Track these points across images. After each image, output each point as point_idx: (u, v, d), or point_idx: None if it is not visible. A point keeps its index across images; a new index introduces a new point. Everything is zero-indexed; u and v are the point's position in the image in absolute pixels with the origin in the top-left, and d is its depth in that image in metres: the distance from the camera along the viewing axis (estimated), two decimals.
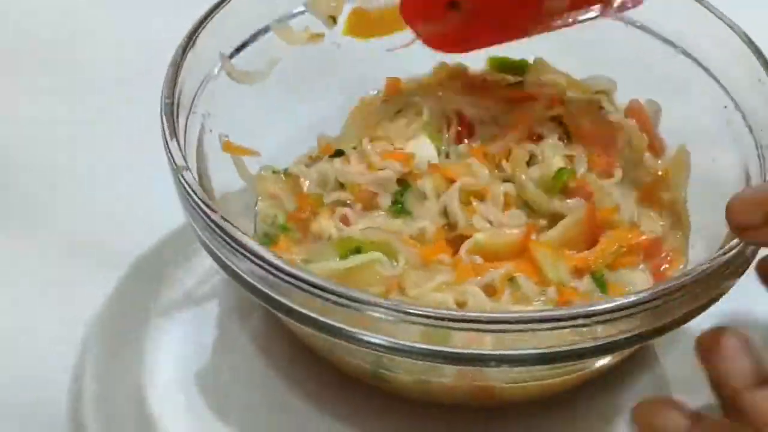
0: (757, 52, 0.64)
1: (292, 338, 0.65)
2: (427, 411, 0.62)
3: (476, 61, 0.74)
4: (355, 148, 0.68)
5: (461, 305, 0.59)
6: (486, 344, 0.51)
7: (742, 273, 0.56)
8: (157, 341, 0.66)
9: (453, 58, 0.73)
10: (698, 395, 0.54)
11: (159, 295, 0.68)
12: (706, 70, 0.68)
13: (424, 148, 0.67)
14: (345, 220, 0.64)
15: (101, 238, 0.71)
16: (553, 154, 0.67)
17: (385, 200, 0.65)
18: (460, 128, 0.70)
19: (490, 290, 0.61)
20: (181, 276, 0.69)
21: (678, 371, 0.65)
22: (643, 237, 0.65)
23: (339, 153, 0.68)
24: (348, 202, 0.66)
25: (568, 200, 0.65)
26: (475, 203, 0.64)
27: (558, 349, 0.51)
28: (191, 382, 0.64)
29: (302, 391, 0.63)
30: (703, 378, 0.52)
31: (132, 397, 0.63)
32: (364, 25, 0.68)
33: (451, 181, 0.65)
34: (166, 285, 0.68)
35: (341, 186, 0.66)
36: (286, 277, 0.53)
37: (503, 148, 0.68)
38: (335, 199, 0.66)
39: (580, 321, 0.51)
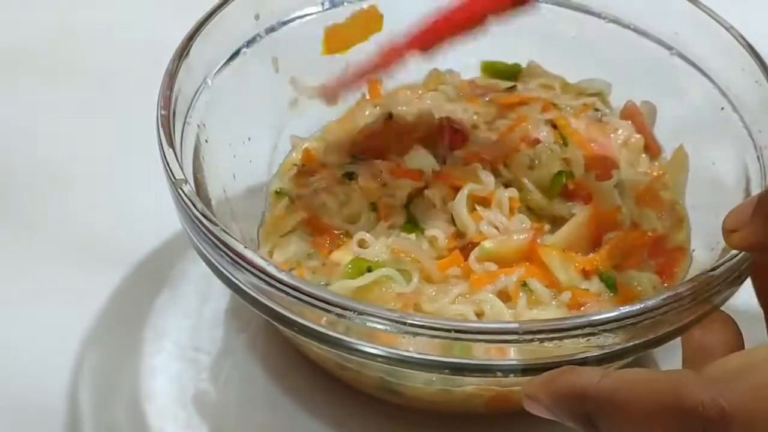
0: (755, 54, 0.64)
1: (290, 339, 0.64)
2: (437, 420, 0.61)
3: (469, 67, 0.74)
4: (351, 162, 0.67)
5: (479, 315, 0.59)
6: (506, 354, 0.51)
7: (746, 277, 0.56)
8: (155, 342, 0.66)
9: (444, 65, 0.73)
10: None
11: (159, 295, 0.68)
12: (702, 72, 0.67)
13: (423, 157, 0.66)
14: (363, 243, 0.63)
15: (102, 238, 0.71)
16: (549, 157, 0.67)
17: (399, 219, 0.64)
18: (453, 135, 0.69)
19: (504, 296, 0.60)
20: (181, 276, 0.69)
21: None
22: (647, 236, 0.65)
23: (350, 176, 0.67)
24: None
25: (569, 203, 0.65)
26: (479, 209, 0.64)
27: (587, 355, 0.51)
28: (189, 385, 0.64)
29: (296, 394, 0.63)
30: None
31: (130, 398, 0.63)
32: (340, 39, 0.68)
33: (456, 189, 0.64)
34: (166, 285, 0.68)
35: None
36: (289, 290, 0.52)
37: (500, 153, 0.67)
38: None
39: (609, 326, 0.51)
